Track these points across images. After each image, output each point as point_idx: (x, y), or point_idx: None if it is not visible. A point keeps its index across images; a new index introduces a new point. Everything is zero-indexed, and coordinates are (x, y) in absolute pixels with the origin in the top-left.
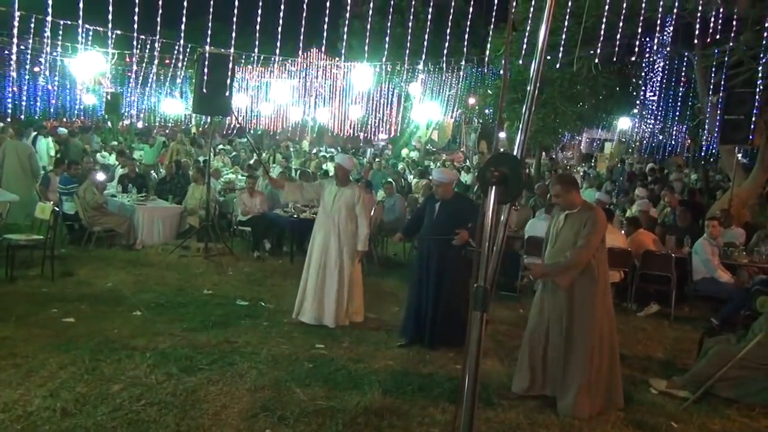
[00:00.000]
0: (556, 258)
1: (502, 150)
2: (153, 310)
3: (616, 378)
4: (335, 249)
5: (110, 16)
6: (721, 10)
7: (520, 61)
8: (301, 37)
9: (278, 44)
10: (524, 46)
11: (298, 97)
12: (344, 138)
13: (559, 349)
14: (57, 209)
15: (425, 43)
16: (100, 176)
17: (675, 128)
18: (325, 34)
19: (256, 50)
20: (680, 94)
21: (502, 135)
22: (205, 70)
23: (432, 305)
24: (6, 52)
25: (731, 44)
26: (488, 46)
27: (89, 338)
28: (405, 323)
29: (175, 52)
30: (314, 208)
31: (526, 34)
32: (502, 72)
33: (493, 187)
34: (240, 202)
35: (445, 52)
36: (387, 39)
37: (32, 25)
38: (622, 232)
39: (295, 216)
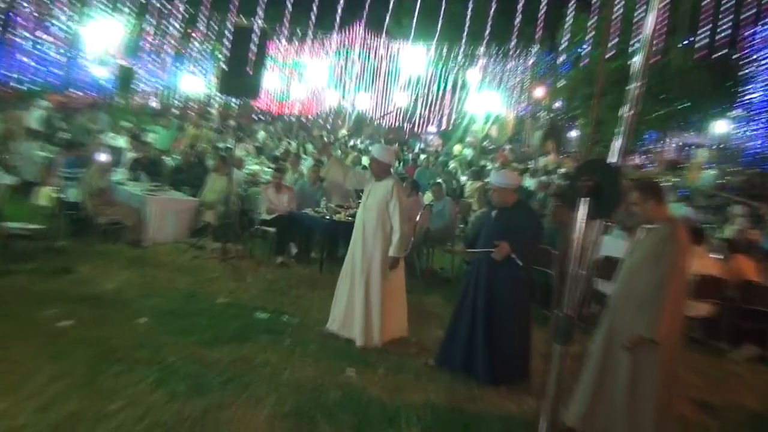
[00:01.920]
0: (623, 286)
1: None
2: (160, 317)
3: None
4: (361, 255)
5: None
6: None
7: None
8: (340, 9)
9: (314, 15)
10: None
11: (336, 79)
12: (386, 129)
13: (624, 389)
14: (61, 196)
15: (488, 23)
16: (104, 157)
17: None
18: (367, 5)
19: (287, 22)
20: None
21: (573, 134)
22: (234, 45)
23: (482, 332)
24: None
25: None
26: (563, 29)
27: (87, 346)
28: (443, 348)
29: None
30: (351, 210)
31: (617, 18)
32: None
33: (584, 200)
34: (264, 198)
35: (512, 35)
36: (442, 17)
37: None
38: (714, 256)
39: (328, 217)
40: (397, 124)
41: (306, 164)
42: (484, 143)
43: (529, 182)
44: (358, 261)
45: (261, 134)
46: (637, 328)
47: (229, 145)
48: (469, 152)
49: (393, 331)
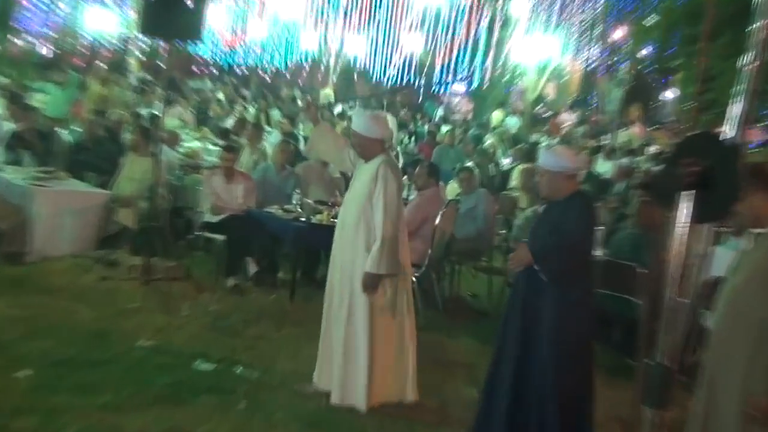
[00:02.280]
0: (725, 319)
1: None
2: (52, 369)
3: None
4: (340, 274)
5: None
6: None
7: None
8: None
9: None
10: None
11: (315, 12)
12: (390, 88)
13: None
14: None
15: None
16: None
17: None
18: None
19: None
20: None
21: (669, 95)
22: None
23: (513, 386)
24: None
25: None
26: None
27: None
28: (479, 417)
29: None
30: (338, 208)
31: None
32: None
33: (686, 194)
34: (209, 191)
35: None
36: None
37: None
38: None
39: (304, 218)
40: (406, 79)
41: (271, 140)
42: (537, 108)
43: (604, 166)
44: (336, 282)
45: (204, 95)
46: (755, 385)
47: (155, 112)
48: (514, 122)
49: (389, 391)
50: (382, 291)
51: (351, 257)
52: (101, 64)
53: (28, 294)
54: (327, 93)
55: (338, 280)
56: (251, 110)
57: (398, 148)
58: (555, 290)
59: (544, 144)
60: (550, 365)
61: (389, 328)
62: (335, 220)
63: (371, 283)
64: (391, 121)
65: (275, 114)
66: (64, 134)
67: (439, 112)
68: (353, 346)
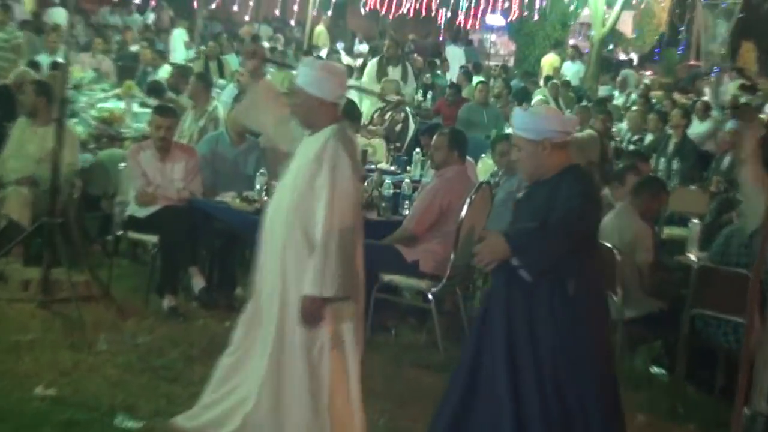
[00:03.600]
0: None
1: None
2: None
3: None
4: (266, 294)
5: None
6: None
7: None
8: None
9: None
10: None
11: None
12: (394, 21)
13: None
14: None
15: None
16: None
17: None
18: None
19: None
20: None
21: None
22: None
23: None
24: None
25: None
26: None
27: None
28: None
29: None
30: None
31: None
32: None
33: None
34: (134, 173)
35: None
36: None
37: None
38: None
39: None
40: (421, 9)
41: (224, 98)
42: (607, 50)
43: (700, 127)
44: (262, 306)
45: (128, 35)
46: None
47: (58, 59)
48: (574, 70)
49: None
50: (330, 322)
51: (281, 272)
52: None
53: None
54: (320, 31)
55: (264, 302)
56: (192, 53)
57: (408, 109)
58: (549, 289)
59: (618, 101)
60: (562, 395)
61: (337, 375)
62: None
63: (312, 311)
64: (398, 74)
65: (231, 61)
66: None
67: (461, 54)
68: (285, 397)
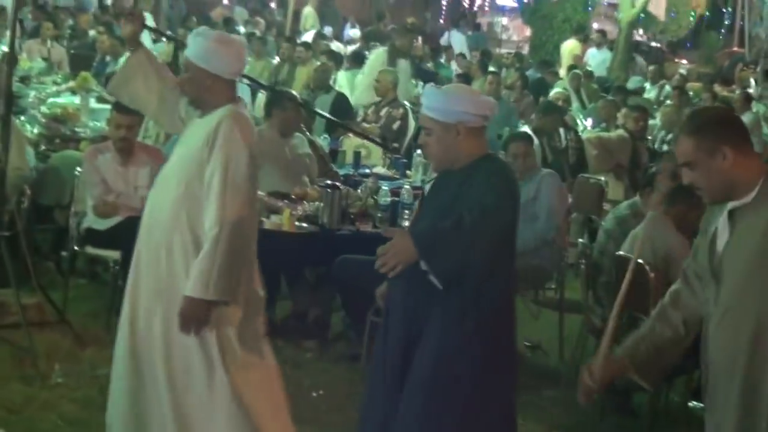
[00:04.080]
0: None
1: None
2: None
3: None
4: (145, 303)
5: None
6: None
7: None
8: None
9: None
10: None
11: None
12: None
13: None
14: None
15: None
16: None
17: None
18: None
19: None
20: None
21: None
22: None
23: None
24: None
25: None
26: None
27: None
28: None
29: None
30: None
31: None
32: None
33: None
34: (92, 179)
35: None
36: None
37: None
38: None
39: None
40: None
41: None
42: (638, 35)
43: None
44: (139, 315)
45: (83, 18)
46: None
47: (2, 47)
48: (600, 56)
49: None
50: (215, 329)
51: (164, 274)
52: None
53: None
54: (308, 13)
55: (142, 311)
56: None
57: (406, 104)
58: (449, 298)
59: (650, 94)
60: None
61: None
62: (304, 225)
63: (193, 315)
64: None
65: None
66: None
67: (475, 42)
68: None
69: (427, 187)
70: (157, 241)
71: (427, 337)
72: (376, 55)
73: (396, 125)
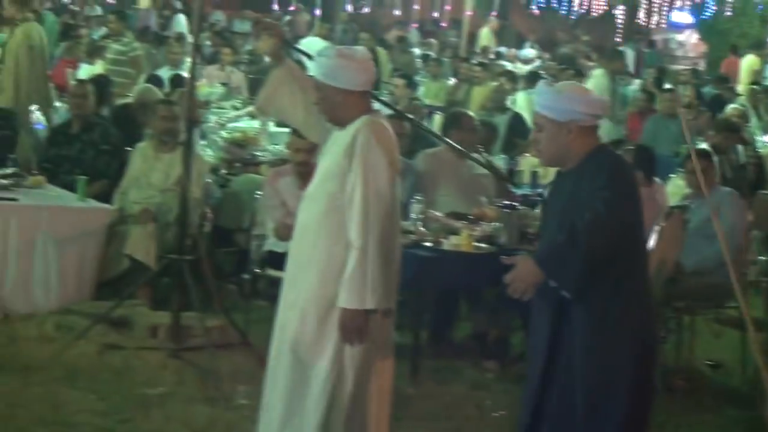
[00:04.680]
0: None
1: None
2: None
3: None
4: (287, 309)
5: None
6: None
7: None
8: None
9: None
10: None
11: None
12: (571, 18)
13: None
14: None
15: None
16: None
17: None
18: None
19: None
20: None
21: None
22: None
23: None
24: None
25: None
26: None
27: None
28: None
29: None
30: (488, 223)
31: None
32: None
33: None
34: (274, 202)
35: None
36: None
37: None
38: None
39: (429, 243)
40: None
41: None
42: None
43: None
44: (284, 325)
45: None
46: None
47: (181, 73)
48: None
49: None
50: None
51: (315, 286)
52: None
53: None
54: (485, 34)
55: (286, 321)
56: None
57: None
58: (587, 309)
59: None
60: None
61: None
62: (483, 245)
63: (354, 325)
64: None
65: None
66: (35, 114)
67: (651, 59)
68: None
69: (546, 191)
70: (307, 254)
71: (572, 338)
72: (597, 78)
73: None
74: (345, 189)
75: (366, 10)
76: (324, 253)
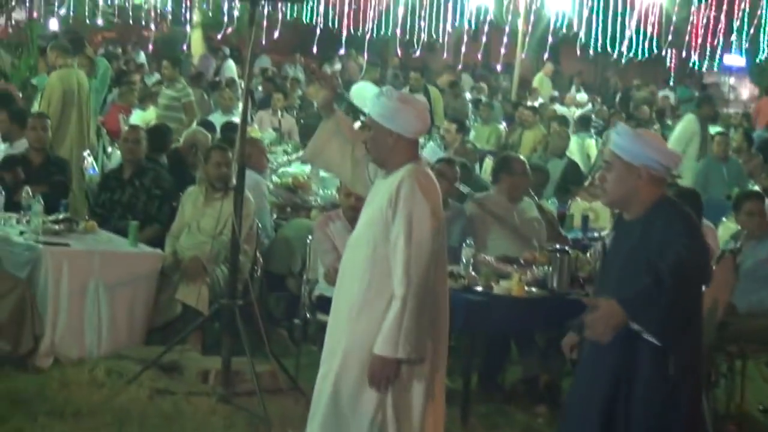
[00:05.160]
0: None
1: None
2: None
3: None
4: (333, 350)
5: None
6: None
7: None
8: None
9: None
10: None
11: None
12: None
13: None
14: None
15: None
16: None
17: None
18: None
19: None
20: None
21: None
22: None
23: None
24: None
25: None
26: None
27: None
28: None
29: None
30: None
31: None
32: None
33: None
34: (325, 246)
35: None
36: None
37: None
38: None
39: (480, 287)
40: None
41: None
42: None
43: None
44: (325, 374)
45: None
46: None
47: (233, 118)
48: None
49: None
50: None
51: (358, 334)
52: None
53: (34, 419)
54: (541, 78)
55: (332, 361)
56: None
57: None
58: (654, 355)
59: None
60: None
61: None
62: (533, 290)
63: (383, 373)
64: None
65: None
66: (88, 162)
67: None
68: None
69: (608, 240)
70: (349, 302)
71: (634, 385)
72: (688, 122)
73: None
74: (389, 238)
75: (417, 54)
76: (367, 302)
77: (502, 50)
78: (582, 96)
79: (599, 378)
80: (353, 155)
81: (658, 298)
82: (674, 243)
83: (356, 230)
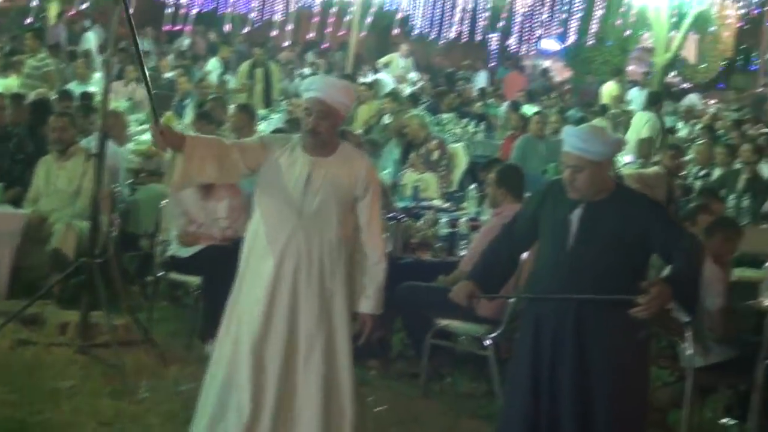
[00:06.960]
0: None
1: None
2: None
3: None
4: (311, 307)
5: None
6: None
7: None
8: None
9: None
10: None
11: None
12: (445, 44)
13: None
14: None
15: None
16: None
17: None
18: None
19: None
20: None
21: None
22: None
23: None
24: None
25: None
26: None
27: None
28: None
29: None
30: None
31: None
32: None
33: None
34: (177, 210)
35: None
36: None
37: None
38: None
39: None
40: (469, 32)
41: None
42: (670, 77)
43: None
44: (305, 322)
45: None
46: None
47: (90, 89)
48: (637, 99)
49: None
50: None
51: (326, 283)
52: None
53: None
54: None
55: (311, 307)
56: (235, 83)
57: (453, 143)
58: (621, 323)
59: (681, 132)
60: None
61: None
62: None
63: (371, 330)
64: None
65: (278, 88)
66: None
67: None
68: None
69: (574, 217)
70: (318, 252)
71: (607, 356)
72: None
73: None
74: (358, 206)
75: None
76: (340, 263)
77: (342, 31)
78: (412, 75)
79: (562, 351)
80: (219, 162)
81: (695, 278)
82: (670, 227)
83: (311, 190)
